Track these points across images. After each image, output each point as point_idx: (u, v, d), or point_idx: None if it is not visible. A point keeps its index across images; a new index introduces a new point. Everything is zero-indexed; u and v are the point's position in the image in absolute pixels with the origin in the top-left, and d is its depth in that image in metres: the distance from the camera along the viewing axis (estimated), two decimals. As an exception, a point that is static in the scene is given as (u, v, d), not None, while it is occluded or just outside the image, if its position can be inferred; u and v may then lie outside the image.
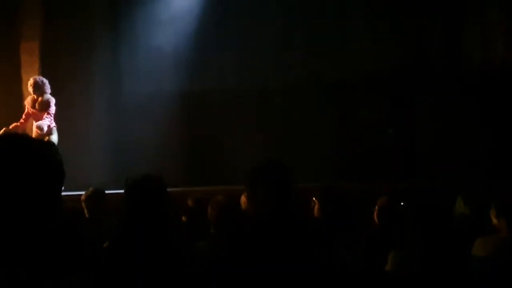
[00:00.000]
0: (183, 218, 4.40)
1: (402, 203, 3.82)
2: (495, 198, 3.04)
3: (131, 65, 8.17)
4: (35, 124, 6.48)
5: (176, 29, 8.07)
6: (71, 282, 1.24)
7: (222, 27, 8.13)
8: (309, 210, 3.56)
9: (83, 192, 4.62)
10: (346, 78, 7.94)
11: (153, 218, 2.30)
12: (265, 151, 7.03)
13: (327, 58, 8.03)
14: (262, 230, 2.13)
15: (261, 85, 8.13)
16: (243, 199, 3.95)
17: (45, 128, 6.39)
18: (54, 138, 6.44)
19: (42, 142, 1.38)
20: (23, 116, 6.63)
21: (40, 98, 6.52)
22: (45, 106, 6.49)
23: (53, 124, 6.53)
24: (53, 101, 6.53)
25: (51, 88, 6.59)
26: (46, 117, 6.48)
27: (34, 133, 6.33)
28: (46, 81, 6.57)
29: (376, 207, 3.86)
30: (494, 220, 2.98)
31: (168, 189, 2.42)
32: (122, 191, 2.39)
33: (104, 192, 4.68)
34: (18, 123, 6.58)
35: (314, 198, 3.55)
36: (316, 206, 3.50)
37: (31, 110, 6.57)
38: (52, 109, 6.52)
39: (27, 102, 6.63)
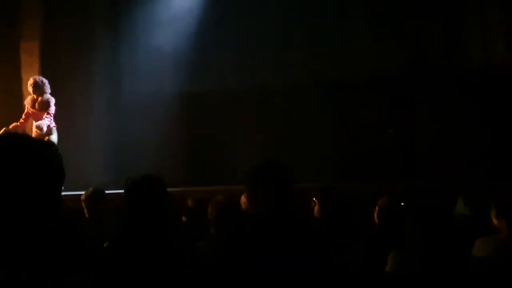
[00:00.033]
0: (183, 218, 4.40)
1: (402, 203, 3.81)
2: (495, 198, 3.04)
3: (131, 65, 8.18)
4: (34, 124, 6.47)
5: (176, 29, 8.07)
6: (71, 282, 1.24)
7: (222, 27, 8.14)
8: (309, 210, 3.56)
9: (83, 192, 4.62)
10: (346, 78, 7.94)
11: (153, 218, 2.30)
12: (265, 151, 7.03)
13: (327, 58, 8.03)
14: (262, 230, 2.13)
15: (261, 85, 8.14)
16: (243, 199, 3.95)
17: (45, 128, 6.39)
18: (54, 138, 6.44)
19: (42, 142, 1.38)
20: (23, 116, 6.62)
21: (40, 98, 6.52)
22: (45, 106, 6.49)
23: (53, 124, 6.53)
24: (52, 101, 6.53)
25: (51, 88, 6.59)
26: (46, 117, 6.48)
27: (34, 133, 6.32)
28: (46, 81, 6.57)
29: (377, 207, 3.86)
30: (494, 221, 2.98)
31: (168, 189, 2.42)
32: (122, 191, 2.39)
33: (104, 192, 4.68)
34: (18, 123, 6.58)
35: (314, 198, 3.54)
36: (316, 206, 3.50)
37: (31, 110, 6.57)
38: (52, 109, 6.52)
39: (27, 102, 6.63)
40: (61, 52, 7.61)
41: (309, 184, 4.56)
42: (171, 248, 2.27)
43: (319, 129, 7.79)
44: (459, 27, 7.95)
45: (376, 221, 3.86)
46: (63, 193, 1.38)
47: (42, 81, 6.54)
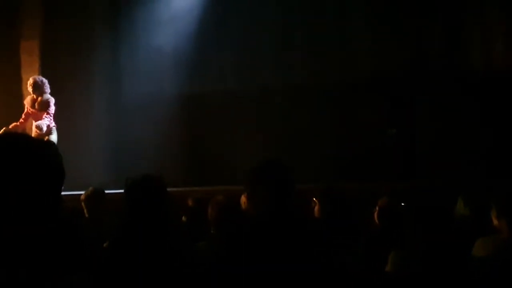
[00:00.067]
0: (183, 218, 4.40)
1: (403, 204, 3.81)
2: (496, 198, 3.03)
3: (131, 65, 8.18)
4: (34, 123, 6.47)
5: (176, 29, 8.07)
6: (71, 282, 1.24)
7: (222, 27, 8.14)
8: (309, 210, 3.56)
9: (83, 192, 4.62)
10: (346, 78, 7.94)
11: (153, 218, 2.30)
12: (265, 151, 7.03)
13: (327, 58, 8.03)
14: (262, 230, 2.13)
15: (261, 85, 8.13)
16: (243, 199, 3.95)
17: (44, 128, 6.38)
18: (54, 137, 6.44)
19: (42, 141, 1.38)
20: (23, 116, 6.62)
21: (39, 98, 6.52)
22: (45, 105, 6.49)
23: (53, 124, 6.52)
24: (52, 101, 6.53)
25: (51, 88, 6.59)
26: (46, 116, 6.47)
27: (34, 132, 6.32)
28: (45, 80, 6.57)
29: (377, 208, 3.86)
30: (495, 221, 2.97)
31: (168, 189, 2.42)
32: (122, 191, 2.39)
33: (104, 192, 4.68)
34: (18, 123, 6.58)
35: (314, 199, 3.54)
36: (317, 207, 3.50)
37: (31, 110, 6.57)
38: (52, 109, 6.52)
39: (27, 101, 6.63)
40: (61, 52, 7.62)
41: (309, 184, 4.56)
42: (171, 248, 2.26)
43: (319, 129, 7.79)
44: (459, 27, 7.95)
45: (376, 221, 3.86)
46: (63, 193, 1.37)
47: (41, 81, 6.53)
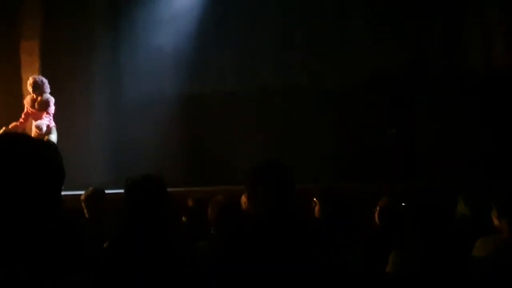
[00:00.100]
0: (183, 218, 4.39)
1: (403, 204, 3.81)
2: (497, 198, 3.03)
3: (131, 65, 8.18)
4: (34, 123, 6.47)
5: (176, 29, 8.07)
6: (71, 282, 1.24)
7: (222, 27, 8.14)
8: (309, 210, 3.56)
9: (83, 192, 4.61)
10: (346, 78, 7.94)
11: (153, 218, 2.29)
12: (265, 151, 7.03)
13: (327, 58, 8.03)
14: (262, 230, 2.13)
15: (261, 85, 8.13)
16: (243, 199, 3.95)
17: (44, 128, 6.38)
18: (53, 137, 6.43)
19: (42, 141, 1.38)
20: (23, 116, 6.62)
21: (39, 98, 6.52)
22: (45, 105, 6.48)
23: (52, 124, 6.52)
24: (52, 100, 6.53)
25: (51, 87, 6.58)
26: (46, 116, 6.47)
27: (33, 132, 6.32)
28: (45, 80, 6.56)
29: (377, 208, 3.86)
30: (495, 221, 2.97)
31: (168, 189, 2.42)
32: (122, 191, 2.39)
33: (104, 192, 4.68)
34: (18, 123, 6.57)
35: (314, 199, 3.54)
36: (317, 207, 3.50)
37: (31, 109, 6.57)
38: (52, 108, 6.51)
39: (26, 101, 6.62)
40: (61, 52, 7.62)
41: (309, 184, 4.56)
42: (171, 248, 2.26)
43: (319, 129, 7.79)
44: (459, 27, 7.95)
45: (377, 221, 3.86)
46: (63, 193, 1.37)
47: (41, 81, 6.53)
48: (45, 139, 6.10)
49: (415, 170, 7.38)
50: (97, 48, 8.03)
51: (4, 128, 6.30)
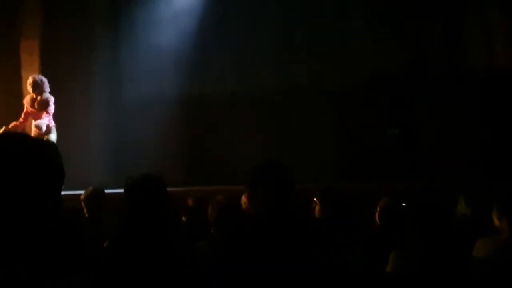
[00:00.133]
0: (183, 218, 4.40)
1: (403, 204, 3.81)
2: (497, 199, 3.03)
3: (131, 65, 8.18)
4: (34, 123, 6.46)
5: (176, 29, 8.08)
6: (71, 282, 1.24)
7: (222, 27, 8.14)
8: (309, 210, 3.56)
9: (83, 192, 4.61)
10: (346, 78, 7.94)
11: (153, 218, 2.29)
12: (265, 151, 7.03)
13: (327, 58, 8.03)
14: (262, 230, 2.13)
15: (261, 85, 8.13)
16: (243, 199, 3.95)
17: (44, 127, 6.38)
18: (53, 137, 6.43)
19: (42, 141, 1.37)
20: (22, 115, 6.62)
21: (39, 97, 6.51)
22: (44, 105, 6.48)
23: (52, 123, 6.52)
24: (52, 100, 6.52)
25: (51, 87, 6.58)
26: (45, 116, 6.47)
27: (33, 132, 6.32)
28: (45, 80, 6.56)
29: (378, 208, 3.85)
30: (496, 221, 2.97)
31: (168, 189, 2.42)
32: (122, 191, 2.39)
33: (104, 191, 4.67)
34: (17, 122, 6.57)
35: (315, 199, 3.54)
36: (317, 207, 3.50)
37: (30, 109, 6.56)
38: (51, 108, 6.51)
39: (26, 101, 6.62)
40: (61, 52, 7.62)
41: (309, 184, 4.56)
42: (171, 248, 2.26)
43: (319, 129, 7.79)
44: (459, 27, 7.95)
45: (378, 221, 3.86)
46: (63, 193, 1.37)
47: (41, 80, 6.52)
48: (45, 138, 6.10)
49: (415, 170, 7.38)
50: (97, 48, 8.03)
51: (4, 127, 6.30)
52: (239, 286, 2.00)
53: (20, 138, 1.29)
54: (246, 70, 8.17)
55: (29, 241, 1.19)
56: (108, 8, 8.29)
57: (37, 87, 6.48)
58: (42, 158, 1.25)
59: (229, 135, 7.94)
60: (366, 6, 8.05)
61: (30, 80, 6.53)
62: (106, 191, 4.76)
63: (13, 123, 6.54)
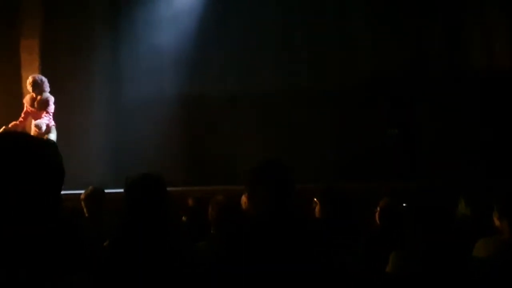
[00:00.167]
0: (183, 218, 4.39)
1: (403, 204, 3.81)
2: (498, 199, 3.02)
3: (131, 65, 8.17)
4: (33, 122, 6.46)
5: (176, 29, 8.08)
6: (71, 282, 1.24)
7: (222, 27, 8.13)
8: (309, 210, 3.56)
9: (83, 191, 4.61)
10: (346, 78, 7.94)
11: (153, 218, 2.29)
12: (265, 151, 7.03)
13: (327, 58, 8.03)
14: (262, 230, 2.13)
15: (261, 85, 8.13)
16: (243, 199, 3.95)
17: (44, 127, 6.37)
18: (53, 137, 6.42)
19: (41, 141, 1.37)
20: (22, 115, 6.61)
21: (39, 97, 6.51)
22: (44, 104, 6.48)
23: (52, 123, 6.51)
24: (52, 99, 6.52)
25: (51, 87, 6.58)
26: (45, 115, 6.46)
27: (33, 131, 6.30)
28: (45, 79, 6.55)
29: (378, 208, 3.85)
30: (497, 222, 2.97)
31: (168, 189, 2.42)
32: (122, 190, 2.38)
33: (104, 191, 4.67)
34: (17, 122, 6.57)
35: (315, 199, 3.54)
36: (317, 207, 3.49)
37: (30, 108, 6.56)
38: (51, 107, 6.50)
39: (26, 100, 6.62)
40: (61, 52, 7.61)
41: (309, 184, 4.55)
42: (171, 248, 2.26)
43: (319, 129, 7.79)
44: (459, 27, 7.96)
45: (378, 221, 3.86)
46: (63, 193, 1.37)
47: (41, 80, 6.52)
48: (45, 138, 6.09)
49: (415, 170, 7.38)
50: (97, 48, 8.03)
51: (4, 127, 6.30)
52: (239, 286, 2.00)
53: (20, 137, 1.29)
54: (246, 70, 8.17)
55: (29, 241, 1.19)
56: (108, 8, 8.29)
57: (37, 87, 6.48)
58: (42, 157, 1.25)
59: (229, 135, 7.94)
60: (366, 6, 8.05)
61: (30, 79, 6.52)
62: (106, 191, 4.75)
63: (13, 123, 6.53)
